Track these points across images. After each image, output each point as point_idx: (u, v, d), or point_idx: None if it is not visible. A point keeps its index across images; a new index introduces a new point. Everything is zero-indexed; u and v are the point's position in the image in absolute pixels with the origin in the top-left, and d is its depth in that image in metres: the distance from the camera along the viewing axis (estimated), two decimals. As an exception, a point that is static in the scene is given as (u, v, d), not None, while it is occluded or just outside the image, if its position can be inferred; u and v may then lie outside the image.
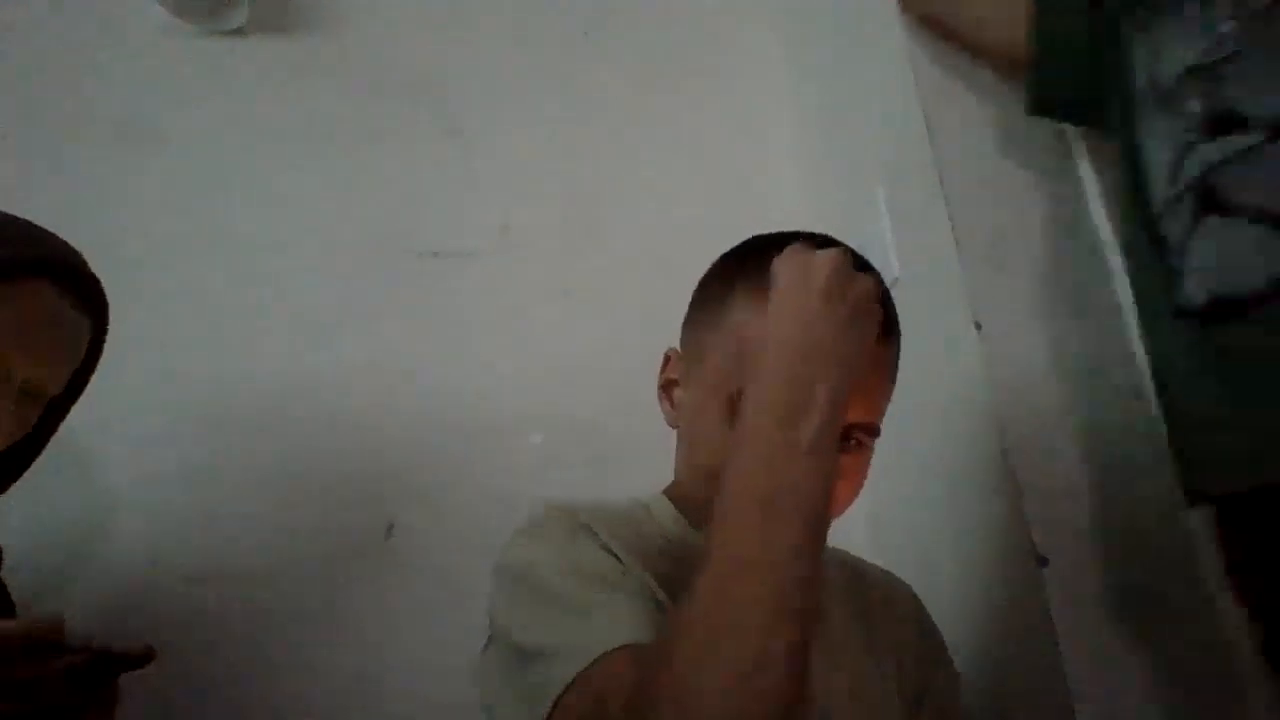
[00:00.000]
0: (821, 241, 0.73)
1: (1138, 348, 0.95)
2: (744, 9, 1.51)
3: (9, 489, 0.84)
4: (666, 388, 0.77)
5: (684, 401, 0.74)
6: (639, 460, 1.15)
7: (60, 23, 1.34)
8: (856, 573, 0.82)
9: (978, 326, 0.93)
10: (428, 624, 1.06)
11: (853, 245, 1.08)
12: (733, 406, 0.64)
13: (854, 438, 0.68)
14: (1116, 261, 0.98)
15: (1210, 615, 0.84)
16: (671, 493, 0.77)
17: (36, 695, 0.57)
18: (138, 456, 1.10)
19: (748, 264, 0.72)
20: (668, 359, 0.78)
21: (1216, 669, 0.82)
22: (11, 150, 1.23)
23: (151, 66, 1.33)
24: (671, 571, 0.66)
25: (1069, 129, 1.03)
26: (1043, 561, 0.84)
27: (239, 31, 1.35)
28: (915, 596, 0.84)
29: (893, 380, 0.72)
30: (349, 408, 1.16)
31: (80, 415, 1.10)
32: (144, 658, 0.61)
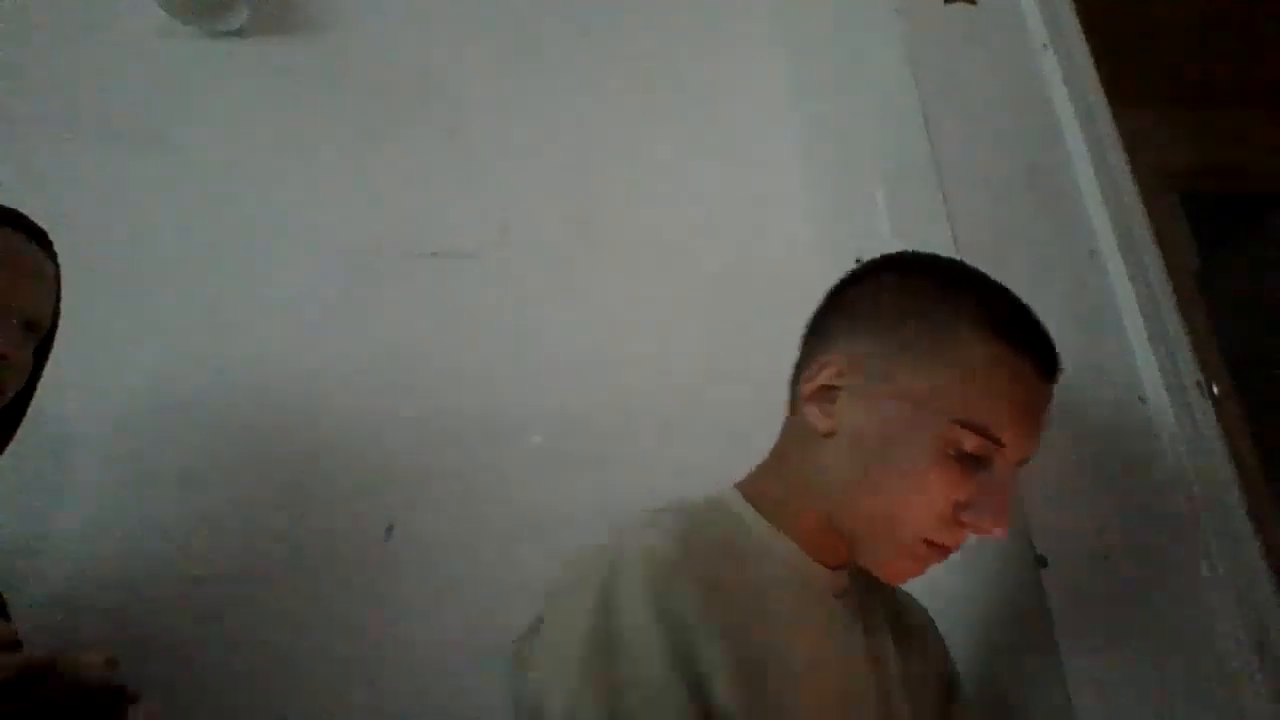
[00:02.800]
0: (1011, 307, 0.73)
1: (1138, 348, 0.95)
2: (744, 9, 1.51)
3: (7, 445, 0.85)
4: (821, 392, 0.73)
5: (849, 412, 0.71)
6: (639, 460, 1.16)
7: (60, 23, 1.33)
8: (888, 596, 0.82)
9: (977, 326, 0.92)
10: (428, 624, 1.06)
11: (852, 245, 1.08)
12: (947, 445, 0.67)
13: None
14: (1116, 262, 0.98)
15: (1210, 615, 0.84)
16: (753, 492, 0.75)
17: None
18: (137, 456, 1.10)
19: (970, 299, 0.72)
20: (826, 364, 0.74)
21: (1216, 669, 0.82)
22: (12, 150, 1.23)
23: (151, 67, 1.33)
24: (751, 579, 0.67)
25: (1067, 129, 1.04)
26: (1043, 561, 0.84)
27: (238, 33, 1.35)
28: (928, 613, 0.85)
29: None
30: (349, 408, 1.16)
31: (79, 414, 1.10)
32: (129, 700, 0.63)
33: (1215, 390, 0.99)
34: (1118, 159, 1.05)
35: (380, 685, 1.04)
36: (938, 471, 0.67)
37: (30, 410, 0.86)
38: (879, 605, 0.79)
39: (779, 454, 0.77)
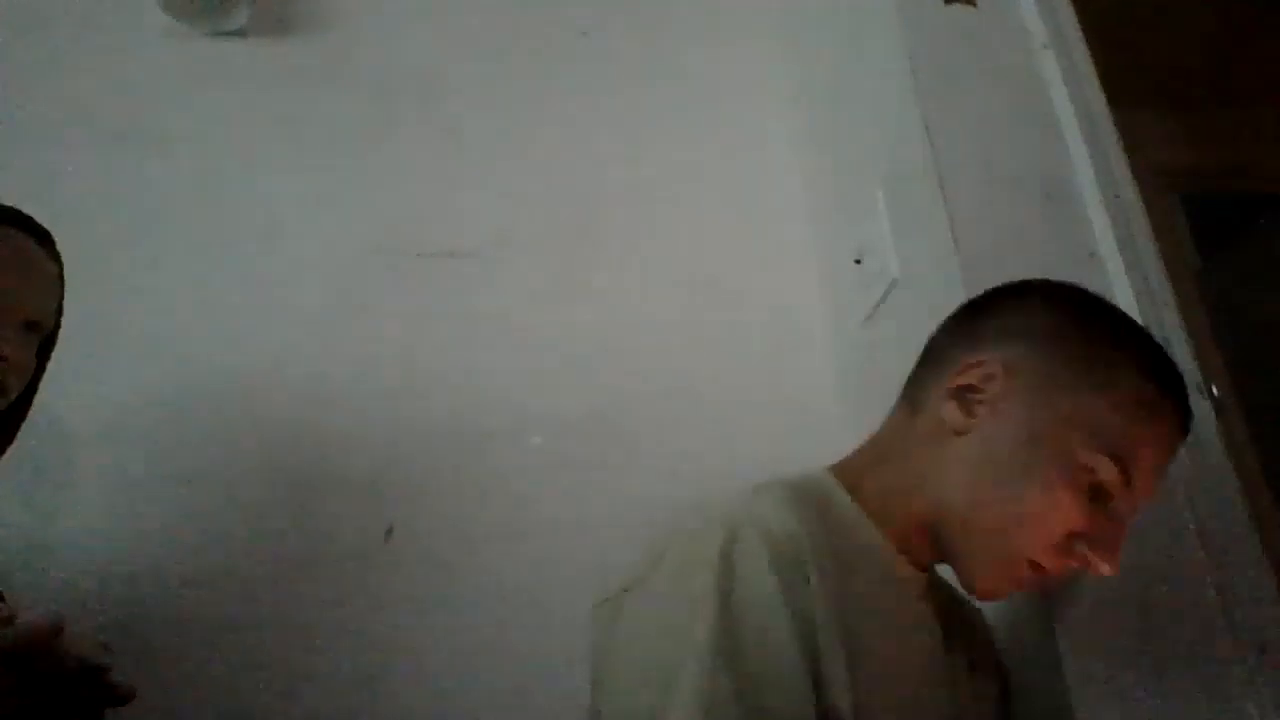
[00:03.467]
0: (1165, 357, 0.74)
1: (1137, 348, 0.94)
2: (743, 9, 1.51)
3: (9, 446, 0.85)
4: (962, 391, 0.72)
5: (991, 415, 0.70)
6: (639, 461, 1.16)
7: (60, 23, 1.33)
8: (963, 609, 0.82)
9: (977, 327, 0.92)
10: (428, 624, 1.06)
11: (853, 245, 1.08)
12: (1083, 472, 0.66)
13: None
14: (1116, 262, 0.98)
15: (1210, 616, 0.84)
16: (850, 480, 0.74)
17: (26, 696, 0.58)
18: (137, 457, 1.10)
19: (1133, 339, 0.74)
20: (976, 364, 0.72)
21: (1216, 670, 0.82)
22: (12, 150, 1.23)
23: (152, 68, 1.33)
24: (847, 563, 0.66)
25: (1067, 129, 1.04)
26: (1043, 562, 0.83)
27: (239, 33, 1.35)
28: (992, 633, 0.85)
29: None
30: (349, 408, 1.16)
31: (79, 414, 1.10)
32: (126, 697, 0.63)
33: (1215, 391, 0.98)
34: (1118, 159, 1.05)
35: (380, 686, 1.04)
36: (1067, 495, 0.67)
37: (32, 411, 0.86)
38: (954, 614, 0.78)
39: (886, 446, 0.76)
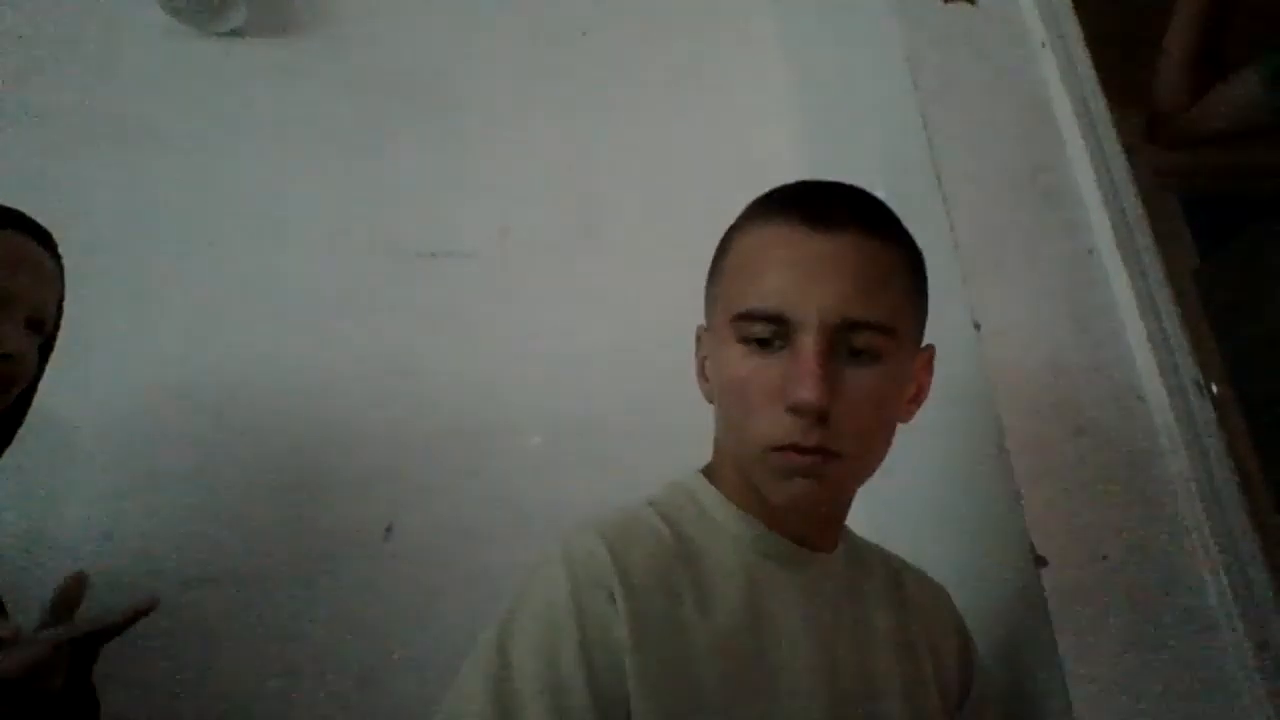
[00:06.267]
0: (775, 191, 0.74)
1: (1137, 348, 0.95)
2: (743, 10, 1.51)
3: (8, 446, 0.85)
4: (701, 366, 0.75)
5: (710, 373, 0.73)
6: (639, 460, 1.16)
7: (60, 23, 1.34)
8: (895, 572, 0.81)
9: (977, 327, 0.93)
10: (428, 624, 1.06)
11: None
12: (742, 344, 0.67)
13: (860, 347, 0.66)
14: (1115, 262, 0.98)
15: (1210, 616, 0.84)
16: (710, 472, 0.76)
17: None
18: (136, 456, 1.10)
19: (738, 218, 0.75)
20: (699, 338, 0.77)
21: (1216, 669, 0.82)
22: (13, 150, 1.23)
23: (150, 67, 1.33)
24: (712, 559, 0.68)
25: (1067, 129, 1.04)
26: (1042, 561, 0.84)
27: (237, 32, 1.35)
28: (949, 597, 0.84)
29: (881, 276, 0.68)
30: (349, 408, 1.16)
31: (78, 414, 1.10)
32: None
33: (1215, 390, 0.98)
34: (1118, 159, 1.05)
35: (379, 685, 1.04)
36: (744, 369, 0.67)
37: (31, 410, 0.86)
38: (883, 596, 0.77)
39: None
